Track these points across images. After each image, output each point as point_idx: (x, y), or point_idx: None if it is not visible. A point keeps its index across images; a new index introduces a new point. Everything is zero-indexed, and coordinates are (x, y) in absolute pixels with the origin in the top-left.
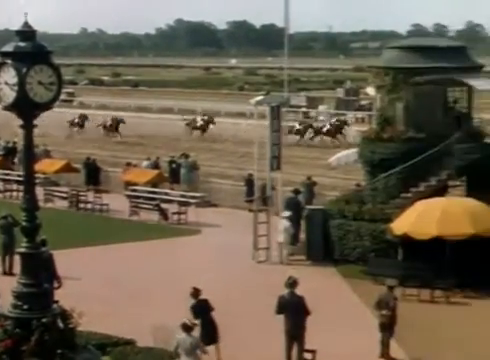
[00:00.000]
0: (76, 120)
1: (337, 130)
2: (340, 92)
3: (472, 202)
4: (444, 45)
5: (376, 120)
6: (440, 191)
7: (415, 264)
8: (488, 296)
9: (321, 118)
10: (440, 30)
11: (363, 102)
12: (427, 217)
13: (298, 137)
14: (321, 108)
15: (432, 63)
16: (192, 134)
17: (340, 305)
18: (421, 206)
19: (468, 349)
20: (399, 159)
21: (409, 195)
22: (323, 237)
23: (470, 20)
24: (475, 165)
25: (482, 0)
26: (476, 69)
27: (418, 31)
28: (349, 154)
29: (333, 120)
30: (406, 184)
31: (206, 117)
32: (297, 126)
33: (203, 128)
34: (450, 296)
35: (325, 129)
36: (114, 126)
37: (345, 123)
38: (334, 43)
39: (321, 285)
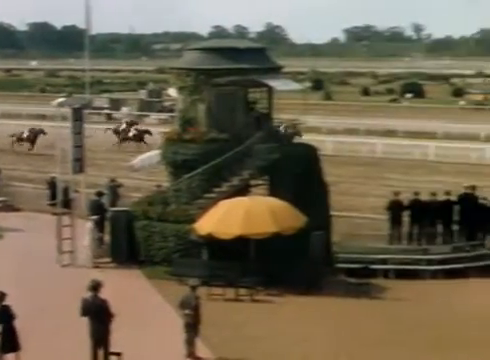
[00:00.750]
0: None
1: None
2: (143, 94)
3: (274, 201)
4: (244, 46)
5: (178, 121)
6: (243, 191)
7: (220, 263)
8: (290, 293)
9: (125, 120)
10: (241, 32)
11: (166, 103)
12: (230, 217)
13: None
14: (124, 110)
15: (232, 64)
16: (120, 145)
17: (145, 307)
18: (224, 206)
19: (270, 346)
20: (202, 160)
21: (212, 195)
22: (128, 239)
23: (270, 22)
24: (276, 165)
25: (281, 2)
26: (275, 70)
27: (219, 33)
28: (152, 156)
29: None
30: (209, 184)
31: (138, 125)
32: None
33: (139, 138)
34: (254, 294)
35: None
36: (31, 138)
37: None
38: (136, 44)
39: (126, 287)
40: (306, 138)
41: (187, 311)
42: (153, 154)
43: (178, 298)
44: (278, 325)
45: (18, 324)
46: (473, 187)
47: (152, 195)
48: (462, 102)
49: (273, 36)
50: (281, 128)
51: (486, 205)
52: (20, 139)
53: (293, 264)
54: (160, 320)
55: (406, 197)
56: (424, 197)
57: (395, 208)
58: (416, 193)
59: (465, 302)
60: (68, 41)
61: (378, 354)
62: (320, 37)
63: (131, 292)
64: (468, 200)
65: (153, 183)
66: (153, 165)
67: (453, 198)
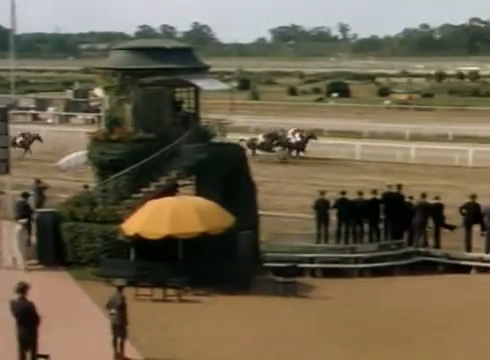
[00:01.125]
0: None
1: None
2: (69, 94)
3: (201, 201)
4: (170, 46)
5: (105, 121)
6: (171, 191)
7: (147, 264)
8: (218, 293)
9: (50, 121)
10: (168, 31)
11: (92, 103)
12: (158, 217)
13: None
14: (50, 110)
15: (159, 64)
16: None
17: (73, 308)
18: (152, 206)
19: (198, 346)
20: (129, 160)
21: (140, 195)
22: (55, 240)
23: (196, 21)
24: (203, 164)
25: (207, 2)
26: (202, 70)
27: (146, 32)
28: (78, 156)
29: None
30: (137, 184)
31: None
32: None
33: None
34: (182, 294)
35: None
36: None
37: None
38: (62, 44)
39: (53, 289)
40: (232, 138)
41: (112, 311)
42: (80, 154)
43: (106, 299)
44: (206, 325)
45: None
46: (399, 186)
47: (79, 196)
48: (387, 101)
49: (200, 36)
50: (296, 133)
51: (412, 204)
52: (14, 144)
53: (221, 264)
54: (88, 321)
55: (333, 196)
56: (351, 196)
57: (322, 207)
58: (343, 192)
59: (390, 300)
60: None
61: (306, 353)
62: (247, 37)
63: (59, 294)
64: (393, 199)
65: (80, 184)
66: (80, 165)
67: (379, 197)
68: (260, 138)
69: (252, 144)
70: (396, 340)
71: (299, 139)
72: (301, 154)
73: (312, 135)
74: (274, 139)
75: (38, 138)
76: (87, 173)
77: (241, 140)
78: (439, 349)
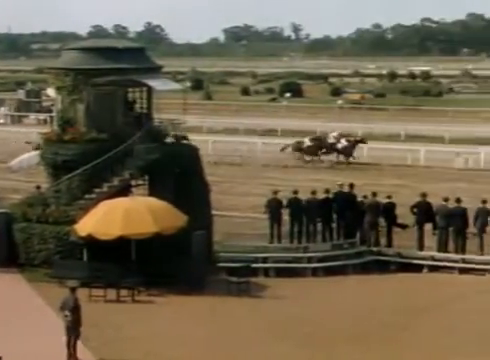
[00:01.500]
0: None
1: None
2: (21, 94)
3: (154, 201)
4: (123, 46)
5: (57, 121)
6: (124, 191)
7: (101, 265)
8: (171, 293)
9: (1, 121)
10: (120, 31)
11: (45, 103)
12: (111, 217)
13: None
14: (2, 110)
15: (111, 64)
16: None
17: (26, 310)
18: (104, 206)
19: (151, 347)
20: (82, 160)
21: (93, 196)
22: (7, 241)
23: (149, 21)
24: (156, 165)
25: (160, 1)
26: (155, 70)
27: (98, 32)
28: (31, 156)
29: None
30: (90, 185)
31: None
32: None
33: None
34: (135, 295)
35: None
36: None
37: None
38: (14, 44)
39: (6, 291)
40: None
41: (66, 313)
42: (32, 155)
43: (59, 300)
44: (159, 325)
45: None
46: (351, 185)
47: (31, 196)
48: (340, 101)
49: (153, 36)
50: (342, 138)
51: (364, 203)
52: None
53: (174, 264)
54: (41, 323)
55: (285, 196)
56: (303, 196)
57: (274, 207)
58: (295, 191)
59: (344, 299)
60: None
61: (258, 352)
62: (200, 37)
63: (11, 296)
64: (345, 198)
65: (32, 184)
66: (32, 166)
67: (331, 196)
68: (306, 141)
69: (298, 148)
70: (350, 339)
71: (346, 144)
72: (351, 160)
73: (361, 140)
74: (320, 144)
75: None
76: (39, 174)
77: (283, 149)
78: (393, 347)
